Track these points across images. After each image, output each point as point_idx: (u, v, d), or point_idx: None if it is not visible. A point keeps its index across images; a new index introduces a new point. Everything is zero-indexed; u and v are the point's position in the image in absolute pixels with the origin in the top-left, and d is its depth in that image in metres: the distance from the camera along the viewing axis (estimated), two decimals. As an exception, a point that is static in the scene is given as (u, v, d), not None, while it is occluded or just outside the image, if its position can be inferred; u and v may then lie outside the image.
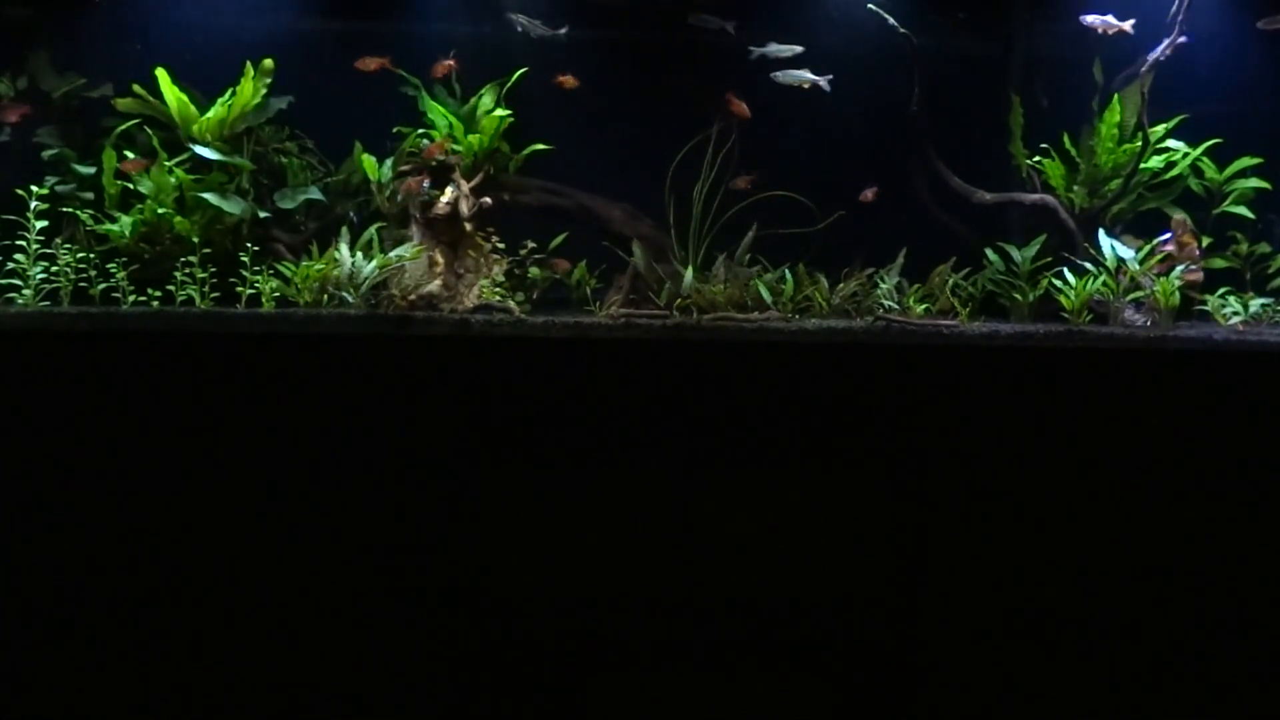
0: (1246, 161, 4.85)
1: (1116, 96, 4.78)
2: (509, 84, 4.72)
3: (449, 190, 4.58)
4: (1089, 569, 3.98)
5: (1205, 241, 4.76)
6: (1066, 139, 4.85)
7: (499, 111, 4.67)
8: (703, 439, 3.97)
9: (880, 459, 4.01)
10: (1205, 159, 4.86)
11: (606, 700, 3.95)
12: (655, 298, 4.52)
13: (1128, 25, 4.58)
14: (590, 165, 4.92)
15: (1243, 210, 4.86)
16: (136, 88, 4.49)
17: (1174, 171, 4.86)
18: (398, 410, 3.92)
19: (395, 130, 4.79)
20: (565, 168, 4.87)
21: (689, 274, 4.52)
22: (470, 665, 3.93)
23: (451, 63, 4.67)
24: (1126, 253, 4.52)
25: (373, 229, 4.57)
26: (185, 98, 4.50)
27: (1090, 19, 4.59)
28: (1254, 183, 4.85)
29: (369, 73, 4.62)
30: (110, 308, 4.26)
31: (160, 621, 3.87)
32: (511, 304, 4.38)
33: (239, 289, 4.31)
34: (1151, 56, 4.68)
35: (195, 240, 4.36)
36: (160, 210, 4.42)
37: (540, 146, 4.78)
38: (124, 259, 4.35)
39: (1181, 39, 4.60)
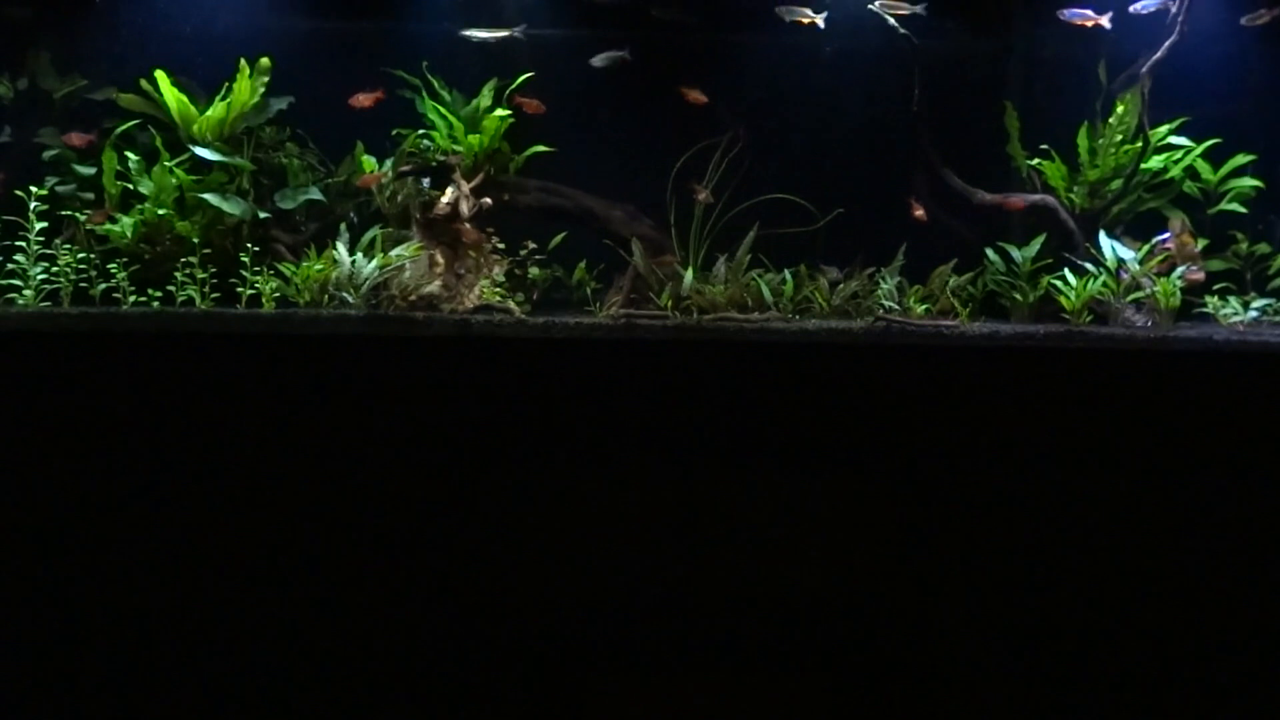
0: (1241, 159, 4.84)
1: (1128, 97, 4.77)
2: (512, 86, 4.72)
3: (449, 190, 4.58)
4: (1089, 569, 3.98)
5: (1202, 243, 4.76)
6: (1082, 133, 4.83)
7: (499, 111, 4.67)
8: (703, 439, 3.97)
9: (880, 459, 4.01)
10: (1200, 160, 4.85)
11: (607, 700, 3.95)
12: (656, 298, 4.52)
13: (1105, 20, 4.55)
14: (592, 166, 4.92)
15: (1235, 206, 4.86)
16: (143, 83, 4.50)
17: (1174, 171, 4.86)
18: (398, 410, 3.92)
19: (395, 132, 4.79)
20: (567, 168, 4.88)
21: (689, 274, 4.51)
22: (470, 665, 3.93)
23: (377, 94, 4.66)
24: (1127, 253, 4.52)
25: (374, 230, 4.58)
26: (185, 98, 4.50)
27: (1068, 13, 4.57)
28: (1250, 182, 4.84)
29: (364, 108, 4.64)
30: (110, 308, 4.26)
31: (160, 621, 3.87)
32: (512, 304, 4.38)
33: (239, 289, 4.32)
34: (1152, 58, 4.68)
35: (195, 241, 4.37)
36: (161, 211, 4.42)
37: (541, 148, 4.78)
38: (124, 259, 4.35)
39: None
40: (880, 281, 4.62)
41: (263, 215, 4.59)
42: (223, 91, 4.55)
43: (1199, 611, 3.99)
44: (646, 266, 4.61)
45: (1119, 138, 4.81)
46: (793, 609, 3.98)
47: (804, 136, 5.10)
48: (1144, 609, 3.99)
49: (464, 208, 4.54)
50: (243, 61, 4.51)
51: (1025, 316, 4.66)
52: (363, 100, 4.62)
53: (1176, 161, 4.83)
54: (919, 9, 4.61)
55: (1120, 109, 4.79)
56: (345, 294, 4.26)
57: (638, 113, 5.04)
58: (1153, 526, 3.98)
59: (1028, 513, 3.99)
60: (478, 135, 4.68)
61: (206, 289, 4.31)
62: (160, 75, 4.46)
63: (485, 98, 4.73)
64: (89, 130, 4.61)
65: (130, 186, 4.49)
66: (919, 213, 4.78)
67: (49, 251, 4.29)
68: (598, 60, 4.74)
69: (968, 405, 4.00)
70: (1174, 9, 4.62)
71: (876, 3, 4.60)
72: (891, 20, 4.63)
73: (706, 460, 3.96)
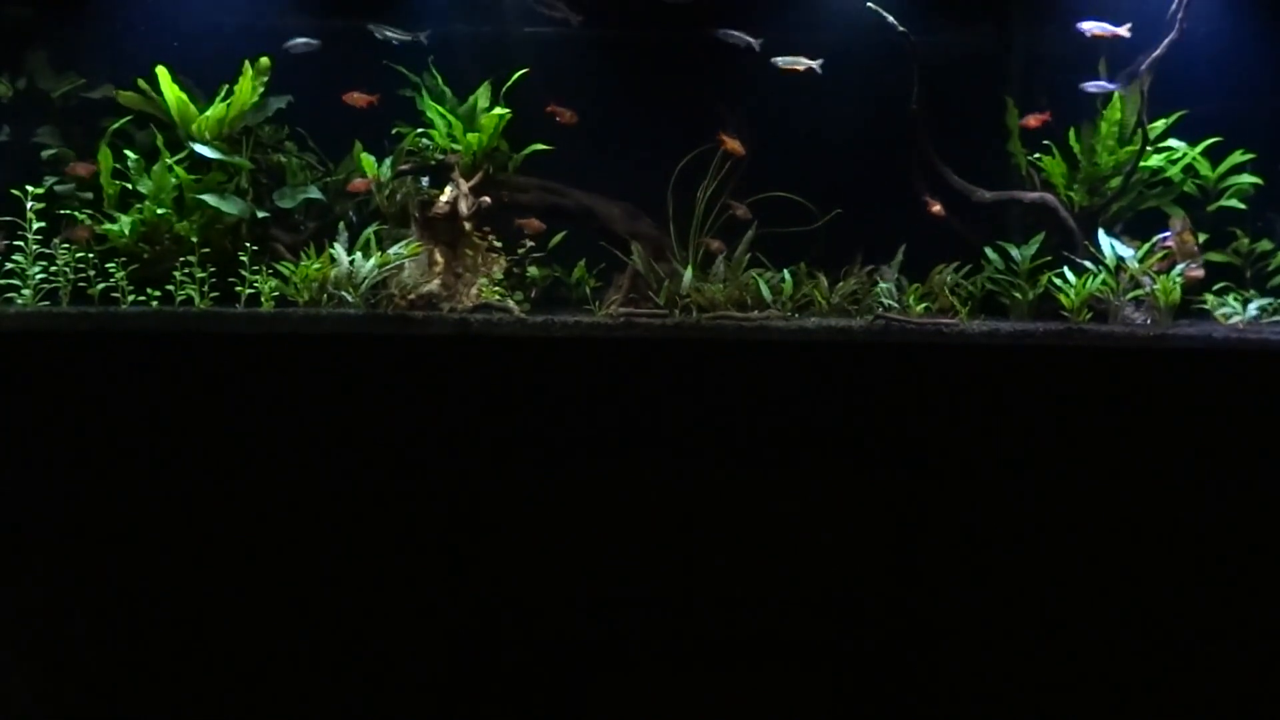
0: (1239, 157, 4.84)
1: (1117, 95, 4.77)
2: (508, 85, 4.71)
3: (448, 189, 4.58)
4: (1088, 567, 3.98)
5: (1201, 239, 4.76)
6: (1073, 135, 4.83)
7: (498, 110, 4.66)
8: (702, 438, 3.97)
9: (880, 457, 4.01)
10: (1199, 157, 4.85)
11: (607, 700, 3.95)
12: (655, 297, 4.52)
13: (1124, 30, 4.56)
14: (592, 164, 4.91)
15: (1234, 203, 4.85)
16: (141, 83, 4.50)
17: (1171, 171, 4.85)
18: (397, 409, 3.92)
19: (394, 130, 4.79)
20: (568, 166, 4.87)
21: (688, 273, 4.51)
22: (470, 664, 3.93)
23: (371, 98, 4.67)
24: (1126, 251, 4.52)
25: (371, 229, 4.57)
26: (184, 96, 4.50)
27: (1088, 25, 4.58)
28: (1250, 179, 4.83)
29: (360, 107, 4.64)
30: (109, 307, 4.26)
31: (159, 619, 3.87)
32: (511, 303, 4.38)
33: (238, 289, 4.31)
34: (1151, 56, 4.68)
35: (194, 240, 4.36)
36: (160, 210, 4.42)
37: (540, 146, 4.77)
38: (123, 259, 4.35)
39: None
40: (880, 279, 4.62)
41: (261, 214, 4.59)
42: (223, 91, 4.54)
43: (1198, 609, 3.99)
44: (646, 265, 4.61)
45: (1116, 134, 4.80)
46: (792, 607, 3.98)
47: (803, 135, 5.09)
48: (1143, 606, 3.99)
49: (463, 206, 4.54)
50: (246, 62, 4.51)
51: (1025, 314, 4.65)
52: (358, 100, 4.63)
53: (1175, 161, 4.82)
54: (816, 66, 4.66)
55: (1116, 107, 4.78)
56: (344, 293, 4.26)
57: (638, 111, 5.03)
58: (1152, 524, 3.97)
59: (1027, 510, 3.99)
60: (476, 134, 4.67)
61: (205, 288, 4.31)
62: (161, 72, 4.46)
63: (483, 97, 4.72)
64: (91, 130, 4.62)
65: (129, 186, 4.48)
66: (936, 208, 4.78)
67: (47, 251, 4.29)
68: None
69: (967, 403, 4.00)
70: (1173, 8, 4.60)
71: (776, 58, 4.69)
72: (889, 18, 4.62)
73: (706, 458, 3.96)
